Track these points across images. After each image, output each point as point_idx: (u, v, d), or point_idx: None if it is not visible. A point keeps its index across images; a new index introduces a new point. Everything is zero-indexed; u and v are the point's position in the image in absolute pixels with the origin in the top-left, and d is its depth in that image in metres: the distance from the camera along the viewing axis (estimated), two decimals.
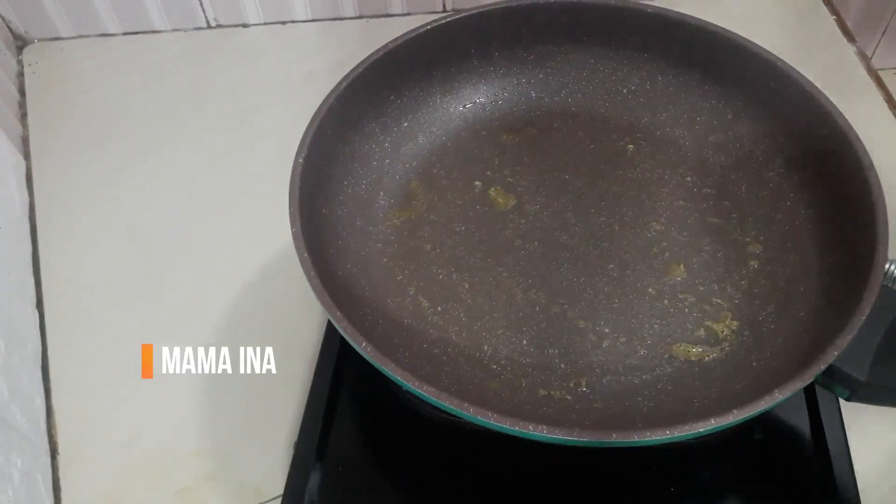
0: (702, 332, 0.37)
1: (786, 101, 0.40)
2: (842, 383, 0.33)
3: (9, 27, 0.58)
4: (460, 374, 0.35)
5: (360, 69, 0.39)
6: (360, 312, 0.35)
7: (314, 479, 0.37)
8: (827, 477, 0.37)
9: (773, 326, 0.36)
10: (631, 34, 0.44)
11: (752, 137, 0.42)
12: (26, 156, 0.52)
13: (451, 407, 0.29)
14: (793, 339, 0.35)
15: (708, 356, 0.36)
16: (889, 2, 0.55)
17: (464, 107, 0.45)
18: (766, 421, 0.38)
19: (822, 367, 0.30)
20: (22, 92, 0.56)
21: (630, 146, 0.44)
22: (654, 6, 0.42)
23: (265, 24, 0.61)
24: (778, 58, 0.40)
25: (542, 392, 0.35)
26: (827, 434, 0.38)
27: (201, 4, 0.59)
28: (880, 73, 0.57)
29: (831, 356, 0.30)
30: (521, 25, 0.44)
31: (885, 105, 0.55)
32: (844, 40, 0.59)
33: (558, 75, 0.46)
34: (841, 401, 0.39)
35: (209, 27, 0.60)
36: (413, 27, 0.41)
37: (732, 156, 0.43)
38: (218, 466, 0.39)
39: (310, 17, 0.61)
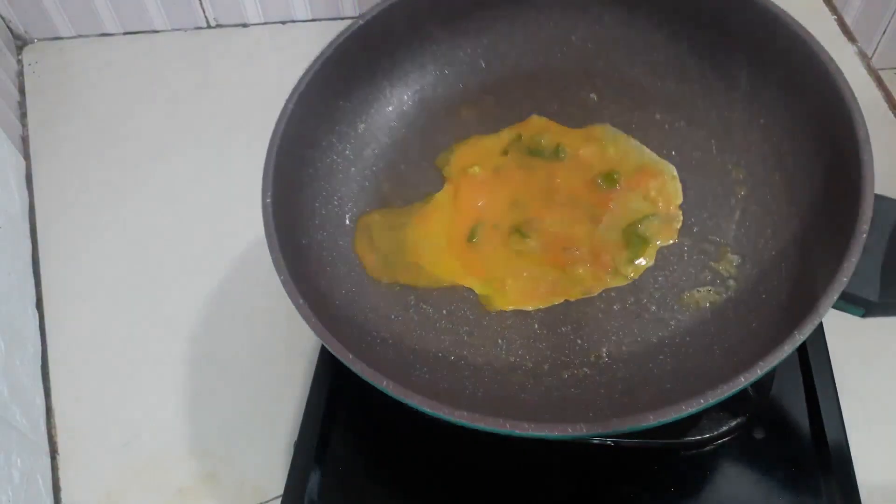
0: (707, 274, 0.36)
1: (739, 19, 0.39)
2: (855, 304, 0.32)
3: (9, 27, 0.58)
4: (482, 376, 0.34)
5: (303, 86, 0.37)
6: (368, 338, 0.34)
7: (314, 479, 0.37)
8: (827, 476, 0.37)
9: (773, 253, 0.36)
10: None
11: (711, 61, 0.41)
12: (26, 156, 0.52)
13: (494, 427, 0.28)
14: (796, 263, 0.34)
15: (718, 298, 0.36)
16: (889, 2, 0.55)
17: (415, 92, 0.43)
18: (766, 420, 0.38)
19: (835, 297, 0.29)
20: (22, 91, 0.56)
21: (592, 95, 0.43)
22: None
23: (265, 23, 0.61)
24: None
25: (566, 373, 0.34)
26: (827, 433, 0.38)
27: (201, 4, 0.59)
28: (880, 72, 0.57)
29: (841, 284, 0.29)
30: None
31: (886, 105, 0.55)
32: (845, 40, 0.59)
33: (503, 38, 0.44)
34: (841, 399, 0.39)
35: (209, 27, 0.60)
36: None
37: (696, 83, 0.42)
38: (218, 466, 0.39)
39: (310, 17, 0.61)
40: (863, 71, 0.57)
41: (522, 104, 0.43)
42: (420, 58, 0.43)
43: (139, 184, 0.51)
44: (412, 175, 0.41)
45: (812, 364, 0.39)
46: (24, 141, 0.53)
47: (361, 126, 0.41)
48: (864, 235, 0.30)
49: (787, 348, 0.28)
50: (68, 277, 0.46)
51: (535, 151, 0.41)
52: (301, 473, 0.36)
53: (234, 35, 0.60)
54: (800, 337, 0.28)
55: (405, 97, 0.43)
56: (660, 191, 0.39)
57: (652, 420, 0.27)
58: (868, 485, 0.36)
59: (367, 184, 0.41)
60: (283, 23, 0.61)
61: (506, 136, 0.42)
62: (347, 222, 0.39)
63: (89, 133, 0.54)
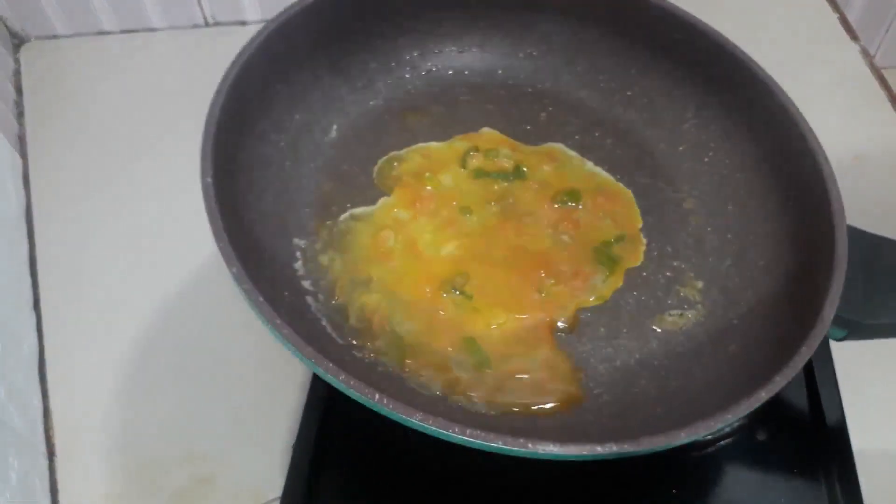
0: (674, 298, 0.37)
1: (689, 49, 0.39)
2: (838, 326, 0.32)
3: (6, 25, 0.57)
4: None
5: (240, 63, 0.34)
6: (350, 355, 0.33)
7: (313, 482, 0.36)
8: (830, 478, 0.36)
9: (737, 280, 0.36)
10: None
11: (659, 90, 0.41)
12: (23, 155, 0.52)
13: (514, 448, 0.26)
14: (764, 289, 0.35)
15: (688, 322, 0.36)
16: (892, 0, 0.55)
17: (356, 89, 0.41)
18: (769, 421, 0.38)
19: (828, 324, 0.29)
20: (19, 90, 0.56)
21: (542, 114, 0.43)
22: None
23: (263, 21, 0.60)
24: (677, 7, 0.39)
25: None
26: (830, 434, 0.37)
27: (199, 2, 0.58)
28: (883, 71, 0.57)
29: (831, 313, 0.29)
30: None
31: (889, 103, 0.55)
32: (848, 38, 0.59)
33: (451, 46, 0.43)
34: (843, 400, 0.38)
35: (207, 25, 0.60)
36: None
37: (644, 111, 0.42)
38: (216, 468, 0.39)
39: None
40: (865, 69, 0.57)
41: (472, 115, 0.42)
42: (364, 54, 0.41)
43: (137, 182, 0.51)
44: (357, 177, 0.39)
45: (815, 365, 0.39)
46: (22, 140, 0.53)
47: (297, 116, 0.39)
48: (845, 268, 0.30)
49: (790, 372, 0.28)
50: (66, 278, 0.46)
51: (496, 172, 0.40)
52: (300, 475, 0.36)
53: (233, 33, 0.60)
54: (791, 372, 0.28)
55: (344, 92, 0.41)
56: (622, 212, 0.39)
57: (683, 437, 0.27)
58: (871, 486, 0.36)
59: (304, 181, 0.38)
60: None
61: (459, 145, 0.41)
62: (284, 224, 0.36)
63: (87, 132, 0.53)
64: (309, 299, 0.35)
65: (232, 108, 0.34)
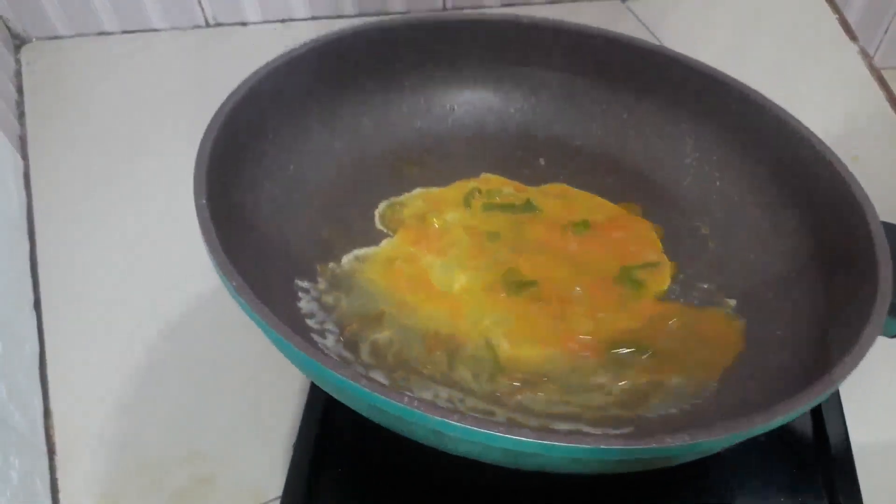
0: None
1: (679, 88, 0.40)
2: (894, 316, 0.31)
3: (7, 26, 0.58)
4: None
5: (232, 103, 0.35)
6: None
7: (313, 482, 0.37)
8: (829, 478, 0.37)
9: (770, 295, 0.36)
10: (508, 48, 0.42)
11: (653, 129, 0.42)
12: (24, 155, 0.52)
13: (573, 444, 0.25)
14: (803, 297, 0.34)
15: None
16: (891, 1, 0.55)
17: (347, 142, 0.42)
18: None
19: (885, 314, 0.28)
20: (20, 91, 0.56)
21: (540, 159, 0.43)
22: (530, 17, 0.41)
23: (264, 22, 0.61)
24: (661, 46, 0.40)
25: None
26: (830, 434, 0.37)
27: (200, 3, 0.59)
28: (882, 72, 0.57)
29: (885, 302, 0.29)
30: (387, 49, 0.41)
31: (888, 104, 0.55)
32: (846, 39, 0.59)
33: (441, 102, 0.44)
34: (843, 402, 0.38)
35: (208, 26, 0.60)
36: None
37: (642, 152, 0.42)
38: (216, 468, 0.39)
39: (309, 16, 0.61)
40: (864, 70, 0.57)
41: (468, 164, 0.43)
42: (351, 106, 0.42)
43: (139, 183, 0.51)
44: (356, 222, 0.40)
45: None
46: (23, 140, 0.53)
47: (292, 167, 0.39)
48: (890, 264, 0.30)
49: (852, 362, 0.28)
50: (67, 278, 0.46)
51: (506, 205, 0.40)
52: (300, 475, 0.36)
53: (234, 34, 0.60)
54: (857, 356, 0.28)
55: (336, 144, 0.41)
56: (640, 238, 0.39)
57: (759, 424, 0.26)
58: (871, 486, 0.36)
59: (301, 226, 0.38)
60: (283, 21, 0.61)
61: (462, 186, 0.41)
62: (284, 267, 0.36)
63: (88, 132, 0.54)
64: (315, 336, 0.35)
65: (225, 146, 0.34)
